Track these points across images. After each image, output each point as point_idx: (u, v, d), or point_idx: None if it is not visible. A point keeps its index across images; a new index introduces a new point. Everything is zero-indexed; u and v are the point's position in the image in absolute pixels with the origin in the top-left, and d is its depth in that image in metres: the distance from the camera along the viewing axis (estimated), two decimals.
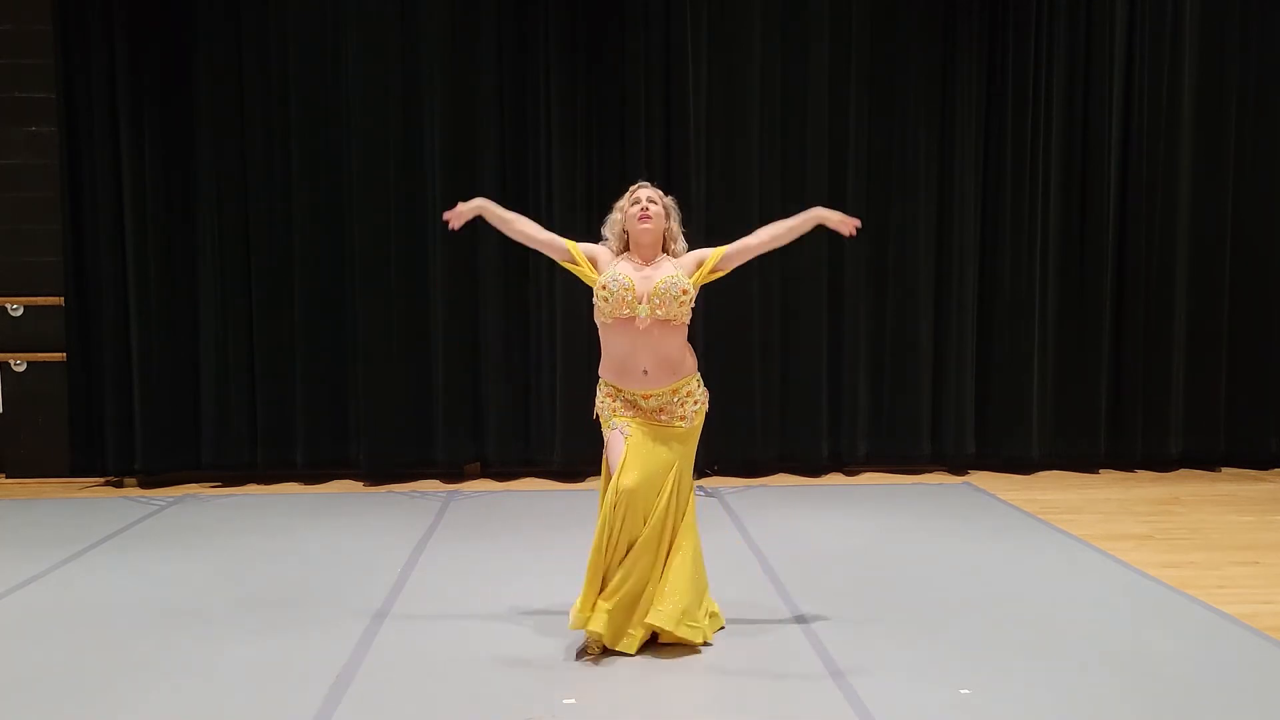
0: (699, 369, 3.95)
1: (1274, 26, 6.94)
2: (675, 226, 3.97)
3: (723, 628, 3.97)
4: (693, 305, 3.84)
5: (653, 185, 4.01)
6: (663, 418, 3.80)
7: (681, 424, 3.82)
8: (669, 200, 3.98)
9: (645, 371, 3.77)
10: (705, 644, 3.80)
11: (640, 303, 3.74)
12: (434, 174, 6.62)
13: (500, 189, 6.64)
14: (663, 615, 3.69)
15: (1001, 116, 6.84)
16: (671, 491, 3.75)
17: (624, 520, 3.65)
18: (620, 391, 3.83)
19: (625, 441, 3.73)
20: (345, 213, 6.64)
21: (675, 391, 3.80)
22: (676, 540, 3.79)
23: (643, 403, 3.80)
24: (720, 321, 6.79)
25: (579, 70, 6.62)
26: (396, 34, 6.58)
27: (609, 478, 3.77)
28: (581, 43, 6.61)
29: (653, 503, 3.71)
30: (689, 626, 3.74)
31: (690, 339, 6.44)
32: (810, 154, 6.76)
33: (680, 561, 3.77)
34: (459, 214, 3.99)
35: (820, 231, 6.71)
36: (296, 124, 6.59)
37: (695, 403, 3.86)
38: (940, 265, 6.88)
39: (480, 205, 3.99)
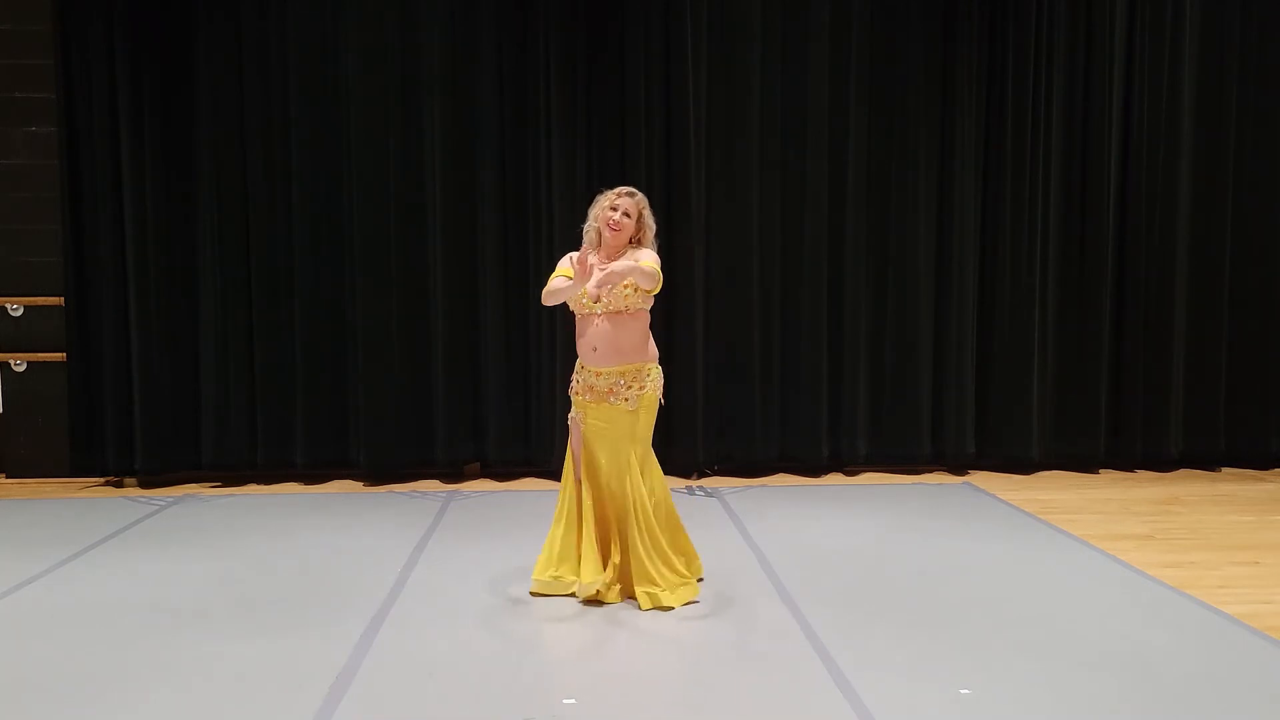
0: (659, 360, 4.40)
1: (1274, 26, 6.94)
2: (648, 233, 4.34)
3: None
4: (647, 294, 4.23)
5: (630, 194, 4.34)
6: (612, 399, 4.24)
7: (625, 405, 4.22)
8: (644, 205, 4.34)
9: (595, 349, 4.25)
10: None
11: (595, 302, 4.23)
12: (434, 174, 6.62)
13: (500, 189, 6.66)
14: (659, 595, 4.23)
15: (1001, 117, 6.84)
16: (633, 470, 4.21)
17: (592, 498, 4.28)
18: (583, 369, 4.33)
19: (582, 430, 4.30)
20: (345, 212, 6.65)
21: (623, 374, 4.24)
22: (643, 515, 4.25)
23: (596, 381, 4.27)
24: (720, 322, 6.80)
25: (579, 70, 6.62)
26: (396, 34, 6.58)
27: (572, 457, 4.37)
28: (582, 43, 6.61)
29: (621, 481, 4.23)
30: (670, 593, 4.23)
31: (689, 338, 6.45)
32: (810, 154, 6.76)
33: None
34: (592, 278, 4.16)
35: (820, 231, 6.80)
36: (296, 123, 6.60)
37: (640, 388, 4.24)
38: (940, 265, 6.88)
39: (609, 274, 4.10)
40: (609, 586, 4.26)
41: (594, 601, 4.26)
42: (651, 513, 4.27)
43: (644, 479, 4.29)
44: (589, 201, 6.60)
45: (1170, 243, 6.94)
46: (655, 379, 4.32)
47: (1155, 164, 6.89)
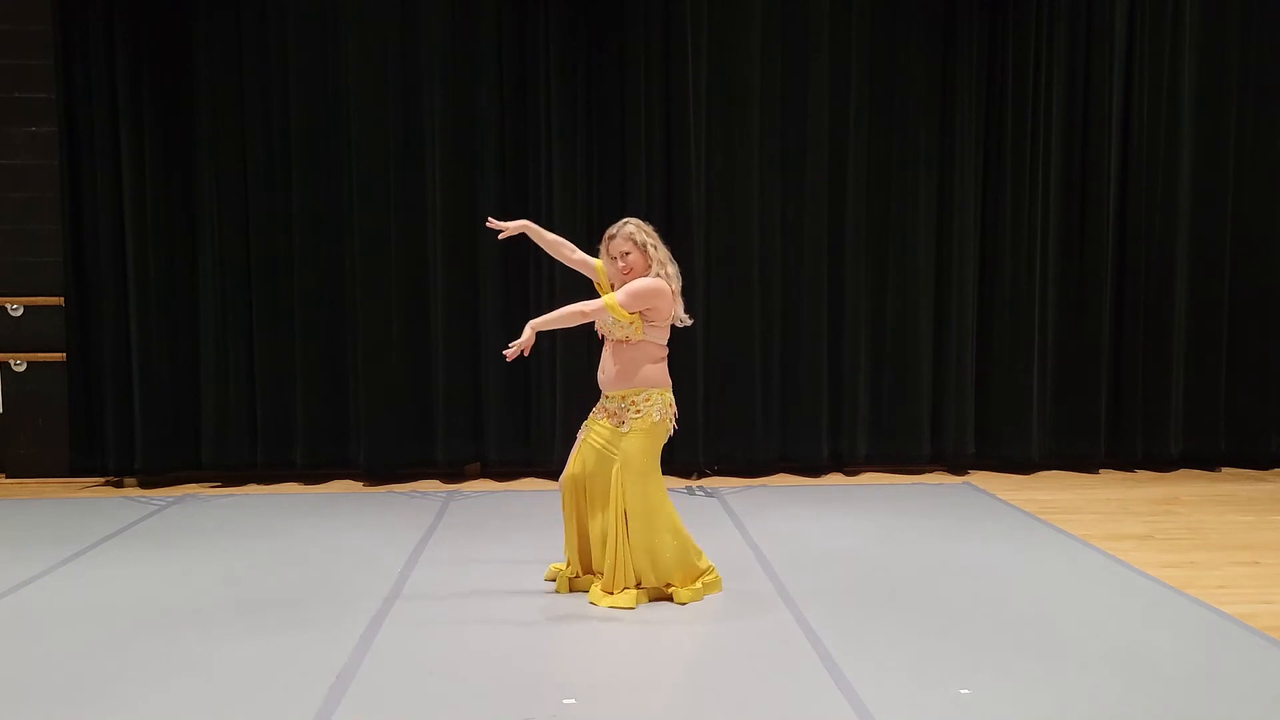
0: (665, 386, 4.39)
1: (1274, 26, 6.94)
2: (656, 254, 4.33)
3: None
4: (652, 323, 4.29)
5: (617, 233, 4.34)
6: (614, 421, 4.36)
7: (622, 428, 4.32)
8: (635, 232, 4.32)
9: (602, 373, 4.42)
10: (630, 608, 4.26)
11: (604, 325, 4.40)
12: (434, 175, 6.62)
13: (500, 190, 6.66)
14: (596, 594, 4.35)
15: (1001, 117, 6.84)
16: (614, 489, 4.29)
17: (566, 502, 4.42)
18: (603, 394, 4.44)
19: (581, 441, 4.44)
20: (345, 212, 6.64)
21: (625, 398, 4.34)
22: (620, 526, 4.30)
23: (607, 404, 4.41)
24: (720, 321, 6.80)
25: (579, 70, 6.62)
26: (396, 34, 6.58)
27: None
28: (582, 42, 6.61)
29: (598, 493, 4.36)
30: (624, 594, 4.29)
31: (690, 338, 6.44)
32: (810, 154, 6.76)
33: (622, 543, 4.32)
34: (506, 228, 4.55)
35: (820, 231, 6.80)
36: (296, 124, 6.60)
37: (638, 412, 4.30)
38: (940, 265, 6.88)
39: (524, 224, 4.53)
40: (563, 577, 4.48)
41: (577, 589, 4.48)
42: (623, 528, 4.28)
43: (636, 501, 4.28)
44: (589, 201, 6.66)
45: (1170, 242, 6.94)
46: (655, 404, 4.31)
47: (1155, 164, 6.89)
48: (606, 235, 4.40)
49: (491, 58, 6.61)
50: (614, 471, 4.29)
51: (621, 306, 4.23)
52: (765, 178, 6.78)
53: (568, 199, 6.58)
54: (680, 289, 4.38)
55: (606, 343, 4.40)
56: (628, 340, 4.30)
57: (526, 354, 4.24)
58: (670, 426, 4.39)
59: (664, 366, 4.39)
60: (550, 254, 4.62)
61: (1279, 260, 7.07)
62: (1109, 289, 6.95)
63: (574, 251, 4.57)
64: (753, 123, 6.73)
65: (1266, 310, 7.07)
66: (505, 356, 4.23)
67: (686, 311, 4.44)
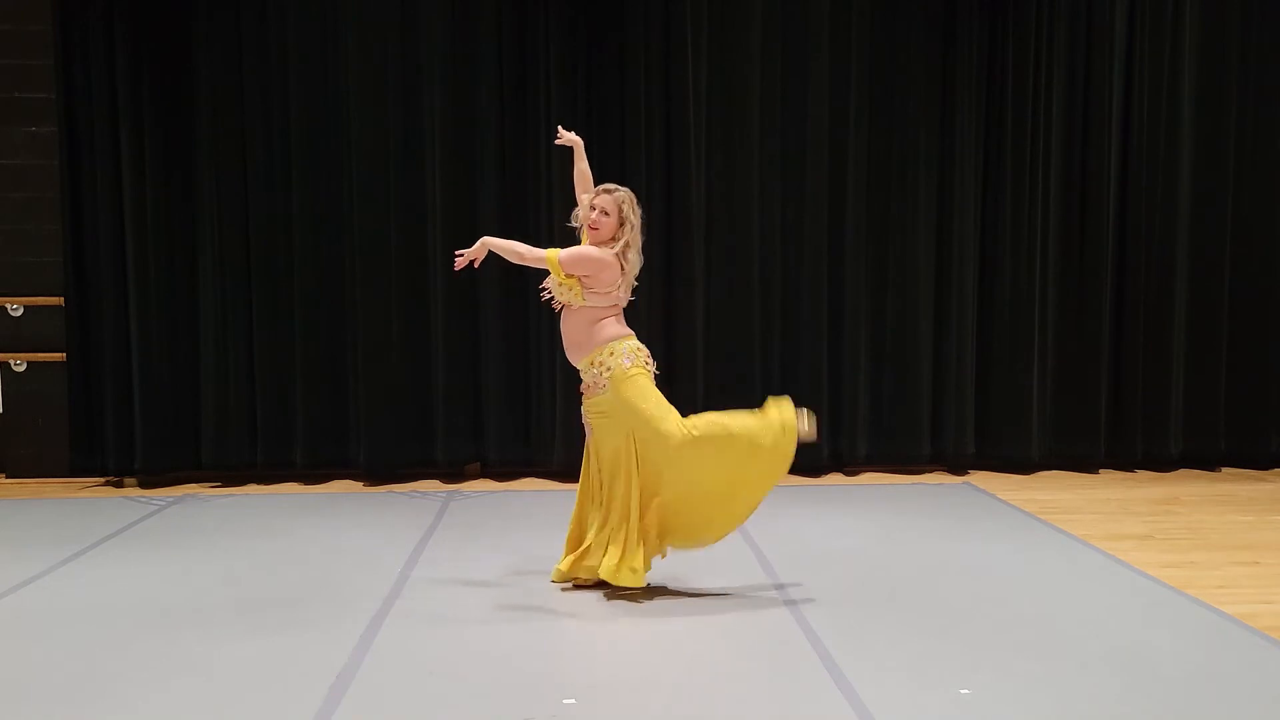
0: (628, 336, 4.39)
1: (1274, 26, 6.95)
2: (629, 234, 4.34)
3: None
4: (592, 290, 4.28)
5: (608, 190, 4.38)
6: (596, 391, 4.35)
7: (602, 393, 4.32)
8: (624, 201, 4.36)
9: (566, 348, 4.43)
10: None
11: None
12: (434, 175, 6.62)
13: (500, 189, 6.66)
14: (601, 568, 4.32)
15: (1001, 117, 6.84)
16: (632, 460, 4.27)
17: (587, 469, 4.46)
18: (575, 368, 4.46)
19: (589, 431, 4.44)
20: (345, 212, 6.64)
21: (592, 363, 4.33)
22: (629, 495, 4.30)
23: (583, 376, 4.40)
24: (721, 322, 6.80)
25: (579, 70, 6.62)
26: (396, 34, 6.58)
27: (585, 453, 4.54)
28: (582, 42, 6.61)
29: (616, 463, 4.31)
30: (629, 571, 4.25)
31: (690, 338, 6.45)
32: (810, 154, 6.76)
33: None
34: (564, 136, 4.71)
35: (820, 231, 6.80)
36: (296, 124, 6.60)
37: (608, 369, 4.29)
38: (940, 265, 6.88)
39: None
40: (571, 564, 4.46)
41: (578, 585, 4.49)
42: (636, 500, 4.27)
43: (657, 451, 4.25)
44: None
45: (1170, 243, 6.93)
46: (619, 353, 4.30)
47: (1155, 164, 6.89)
48: (603, 187, 4.42)
49: (491, 58, 6.62)
50: (628, 429, 4.28)
51: (560, 263, 4.25)
52: (765, 178, 6.78)
53: (568, 199, 6.56)
54: (636, 274, 4.41)
55: (561, 314, 4.43)
56: (569, 305, 4.35)
57: (477, 265, 4.35)
58: (647, 366, 4.37)
59: (616, 320, 4.38)
60: (573, 181, 4.75)
61: (1279, 260, 7.08)
62: (1109, 289, 6.95)
63: (587, 192, 4.61)
64: (753, 123, 6.73)
65: (1266, 310, 7.07)
66: (455, 264, 4.35)
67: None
